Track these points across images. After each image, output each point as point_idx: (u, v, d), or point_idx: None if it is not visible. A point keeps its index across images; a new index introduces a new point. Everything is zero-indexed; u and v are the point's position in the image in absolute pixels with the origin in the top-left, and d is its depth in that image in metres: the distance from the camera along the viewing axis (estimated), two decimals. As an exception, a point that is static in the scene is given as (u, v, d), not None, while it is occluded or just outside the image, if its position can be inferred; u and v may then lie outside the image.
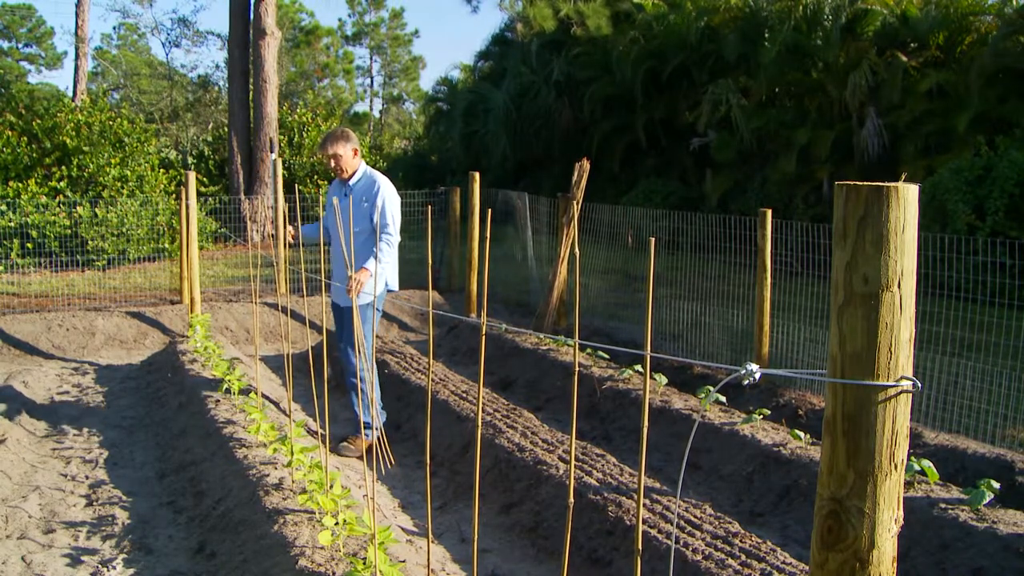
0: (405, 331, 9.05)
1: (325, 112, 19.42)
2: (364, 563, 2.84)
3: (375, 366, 5.66)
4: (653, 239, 1.76)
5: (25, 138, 13.48)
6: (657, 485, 4.15)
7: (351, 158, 4.93)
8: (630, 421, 5.34)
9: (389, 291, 5.12)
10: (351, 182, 4.98)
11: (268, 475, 3.85)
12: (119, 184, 13.52)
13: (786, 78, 14.60)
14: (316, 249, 5.09)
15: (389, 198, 4.91)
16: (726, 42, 15.09)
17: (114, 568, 3.48)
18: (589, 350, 6.54)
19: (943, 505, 3.55)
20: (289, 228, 5.04)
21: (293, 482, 3.78)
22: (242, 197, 14.34)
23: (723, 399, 5.41)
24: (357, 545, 3.13)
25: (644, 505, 3.79)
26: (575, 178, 7.49)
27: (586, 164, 7.57)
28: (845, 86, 12.91)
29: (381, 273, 4.76)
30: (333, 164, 4.93)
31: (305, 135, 17.71)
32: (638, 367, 5.83)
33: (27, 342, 7.85)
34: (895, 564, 1.44)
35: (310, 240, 5.21)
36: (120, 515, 4.03)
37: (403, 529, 3.86)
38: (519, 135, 18.96)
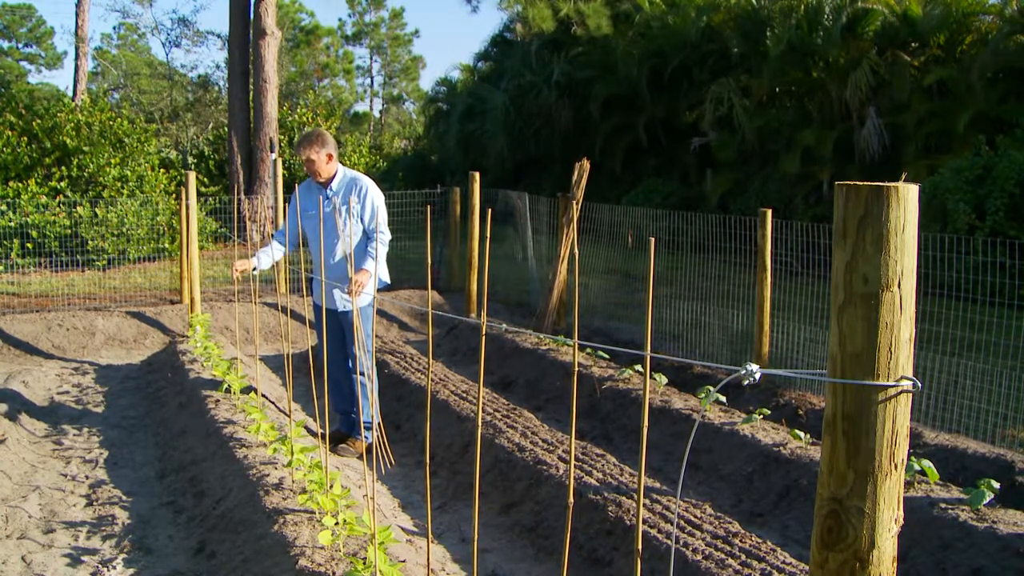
0: (405, 331, 9.05)
1: (325, 112, 19.40)
2: (364, 563, 2.84)
3: (375, 366, 5.64)
4: (653, 239, 1.76)
5: (25, 138, 13.47)
6: (657, 485, 4.15)
7: (325, 163, 4.75)
8: (630, 421, 5.34)
9: (385, 286, 5.10)
10: (331, 186, 4.85)
11: (268, 475, 3.85)
12: (119, 184, 13.52)
13: (787, 77, 14.60)
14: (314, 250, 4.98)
15: (378, 196, 4.86)
16: (727, 41, 15.09)
17: (114, 568, 3.48)
18: (589, 350, 6.54)
19: (943, 505, 3.55)
20: (240, 264, 4.72)
21: (293, 482, 3.78)
22: (242, 197, 14.33)
23: (723, 399, 5.41)
24: (357, 545, 3.13)
25: (644, 505, 3.79)
26: (575, 178, 7.49)
27: (586, 164, 7.57)
28: (846, 86, 12.92)
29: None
30: (307, 168, 4.80)
31: (305, 135, 17.68)
32: (638, 367, 5.83)
33: (27, 342, 7.85)
34: (895, 564, 1.44)
35: (268, 264, 4.92)
36: (120, 515, 4.03)
37: (403, 529, 3.86)
38: (518, 135, 18.96)
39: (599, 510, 3.72)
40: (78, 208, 11.80)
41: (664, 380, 5.76)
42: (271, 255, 4.96)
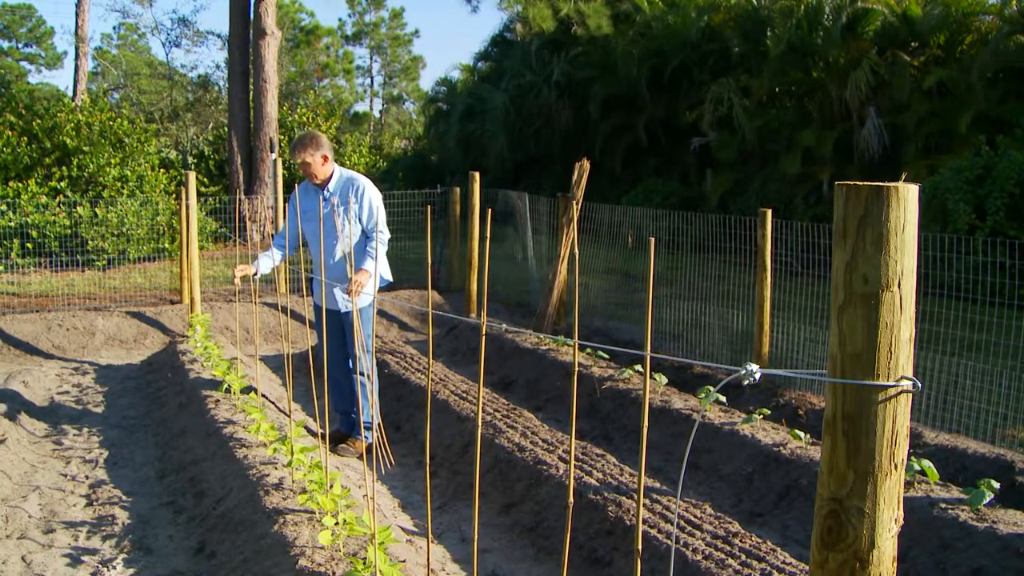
0: (405, 331, 9.05)
1: (325, 112, 19.40)
2: (364, 563, 2.84)
3: (375, 366, 5.64)
4: (653, 239, 1.76)
5: (25, 138, 13.48)
6: (657, 485, 4.15)
7: (321, 165, 4.77)
8: (630, 421, 5.34)
9: (387, 284, 5.11)
10: (327, 187, 4.86)
11: (268, 475, 3.85)
12: (119, 184, 13.52)
13: (787, 77, 14.59)
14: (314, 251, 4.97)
15: (375, 196, 4.87)
16: (727, 41, 15.08)
17: (114, 568, 3.48)
18: (589, 350, 6.54)
19: (943, 505, 3.55)
20: (241, 269, 4.74)
21: (293, 482, 3.78)
22: (242, 197, 14.34)
23: (723, 399, 5.41)
24: (357, 545, 3.13)
25: (644, 505, 3.79)
26: (575, 178, 7.49)
27: (586, 164, 7.57)
28: (846, 86, 12.91)
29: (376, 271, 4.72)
30: (303, 171, 4.82)
31: (305, 135, 17.67)
32: (638, 367, 5.83)
33: (27, 342, 7.85)
34: (895, 564, 1.44)
35: (268, 268, 4.94)
36: (120, 515, 4.03)
37: (403, 529, 3.86)
38: (518, 135, 18.96)
39: (599, 510, 3.72)
40: (78, 208, 11.80)
41: (664, 380, 5.76)
42: (272, 259, 4.98)
